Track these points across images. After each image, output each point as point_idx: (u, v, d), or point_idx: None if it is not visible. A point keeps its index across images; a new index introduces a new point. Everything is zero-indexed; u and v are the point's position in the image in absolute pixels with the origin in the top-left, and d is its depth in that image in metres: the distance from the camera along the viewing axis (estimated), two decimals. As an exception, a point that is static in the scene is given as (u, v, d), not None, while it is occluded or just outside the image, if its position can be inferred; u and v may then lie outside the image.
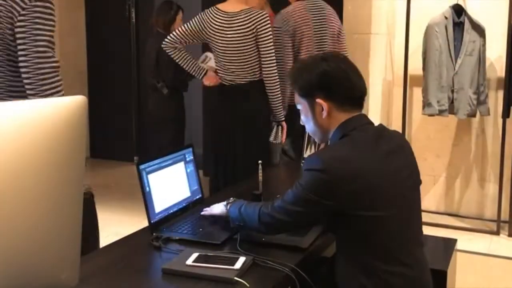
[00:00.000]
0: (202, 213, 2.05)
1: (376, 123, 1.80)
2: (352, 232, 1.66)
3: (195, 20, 3.40)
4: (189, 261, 1.63)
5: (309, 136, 2.90)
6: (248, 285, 1.51)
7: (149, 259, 1.78)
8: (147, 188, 1.91)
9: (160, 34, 4.41)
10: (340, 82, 1.71)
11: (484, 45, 3.83)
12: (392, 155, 1.71)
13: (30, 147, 1.10)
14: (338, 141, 1.72)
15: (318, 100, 1.72)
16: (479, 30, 3.82)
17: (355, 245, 1.67)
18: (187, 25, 3.42)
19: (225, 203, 1.95)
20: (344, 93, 1.72)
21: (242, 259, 1.63)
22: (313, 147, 2.87)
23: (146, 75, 4.70)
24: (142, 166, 1.91)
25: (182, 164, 2.15)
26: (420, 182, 1.82)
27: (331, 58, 1.74)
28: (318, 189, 1.61)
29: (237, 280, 1.53)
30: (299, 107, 1.82)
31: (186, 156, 2.18)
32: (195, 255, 1.66)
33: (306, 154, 2.90)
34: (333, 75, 1.71)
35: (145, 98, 6.16)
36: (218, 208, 1.98)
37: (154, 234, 1.87)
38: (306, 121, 1.81)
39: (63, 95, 2.11)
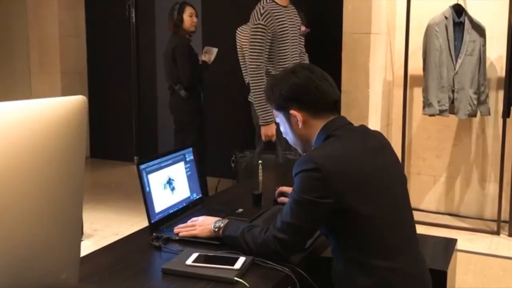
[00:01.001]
0: (181, 234, 1.85)
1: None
2: (346, 231, 1.66)
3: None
4: (189, 261, 1.62)
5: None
6: (248, 285, 1.51)
7: (149, 259, 1.78)
8: (147, 188, 1.91)
9: (174, 36, 4.46)
10: (310, 91, 1.75)
11: (484, 45, 3.83)
12: (378, 152, 1.75)
13: (30, 147, 1.10)
14: (324, 142, 1.73)
15: (292, 112, 1.76)
16: (480, 30, 3.82)
17: (349, 243, 1.67)
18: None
19: (212, 226, 1.82)
20: (315, 102, 1.76)
21: (242, 259, 1.63)
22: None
23: (165, 76, 4.68)
24: (142, 166, 1.91)
25: (182, 164, 2.14)
26: (405, 178, 1.84)
27: (299, 70, 1.79)
28: (315, 189, 1.60)
29: (237, 280, 1.53)
30: (277, 120, 1.86)
31: (186, 156, 2.18)
32: (195, 255, 1.66)
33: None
34: (302, 85, 1.75)
35: (145, 98, 6.18)
36: (203, 230, 1.83)
37: (154, 234, 1.87)
38: (286, 133, 1.85)
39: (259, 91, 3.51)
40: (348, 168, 1.63)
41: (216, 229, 1.80)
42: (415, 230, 1.81)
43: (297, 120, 1.76)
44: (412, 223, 1.80)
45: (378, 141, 1.81)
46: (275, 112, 1.84)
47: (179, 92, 4.44)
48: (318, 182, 1.60)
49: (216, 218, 1.85)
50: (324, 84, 1.76)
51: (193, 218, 1.92)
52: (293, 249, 1.71)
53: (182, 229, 1.87)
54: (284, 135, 1.88)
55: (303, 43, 4.00)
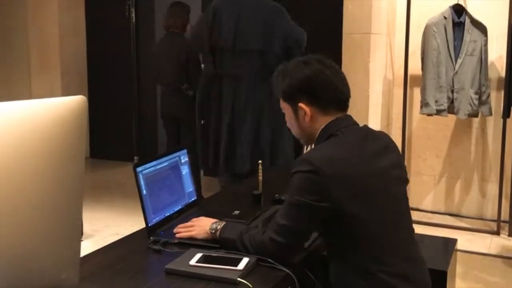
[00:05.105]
0: (178, 235, 1.85)
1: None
2: (344, 233, 1.64)
3: None
4: (193, 261, 1.62)
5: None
6: (251, 286, 1.51)
7: (149, 259, 1.78)
8: (144, 191, 1.90)
9: (178, 35, 4.44)
10: (322, 86, 1.70)
11: (486, 44, 3.83)
12: (379, 154, 1.71)
13: (30, 147, 1.10)
14: (325, 141, 1.71)
15: (301, 105, 1.71)
16: (481, 29, 3.81)
17: (347, 246, 1.66)
18: None
19: (208, 227, 1.80)
20: (326, 97, 1.71)
21: (245, 260, 1.63)
22: (313, 146, 2.86)
23: (162, 76, 4.61)
24: (138, 169, 1.89)
25: (177, 166, 2.12)
26: (407, 181, 1.81)
27: (313, 62, 1.73)
28: (311, 191, 1.58)
29: (240, 281, 1.53)
30: (283, 111, 1.81)
31: (181, 158, 2.17)
32: (198, 256, 1.65)
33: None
34: (315, 79, 1.70)
35: (145, 98, 6.17)
36: (200, 231, 1.82)
37: (152, 238, 1.84)
38: (291, 124, 1.80)
39: None
40: (346, 172, 1.60)
41: (213, 231, 1.78)
42: (413, 230, 1.80)
43: (305, 114, 1.72)
44: (411, 226, 1.78)
45: (381, 142, 1.77)
46: (281, 102, 1.79)
47: (187, 91, 4.43)
48: (315, 185, 1.58)
49: (213, 220, 1.84)
50: (336, 80, 1.72)
51: (194, 219, 1.91)
52: (290, 252, 1.69)
53: (181, 229, 1.87)
54: (287, 126, 1.84)
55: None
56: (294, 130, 1.81)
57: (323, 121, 1.72)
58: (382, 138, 1.81)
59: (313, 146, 1.84)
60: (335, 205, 1.59)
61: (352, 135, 1.71)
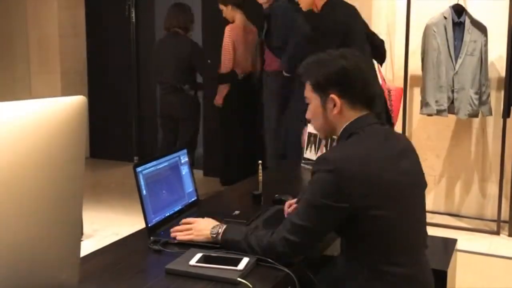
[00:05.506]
0: (179, 237, 1.81)
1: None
2: (360, 233, 1.64)
3: None
4: (193, 261, 1.62)
5: (309, 136, 2.90)
6: (251, 286, 1.51)
7: (149, 259, 1.78)
8: (144, 191, 1.90)
9: (180, 35, 4.46)
10: (357, 79, 1.71)
11: (486, 45, 3.82)
12: (400, 156, 1.71)
13: (30, 147, 1.10)
14: (347, 140, 1.70)
15: (332, 96, 1.70)
16: (481, 30, 3.81)
17: (362, 246, 1.66)
18: None
19: (209, 232, 1.77)
20: (358, 91, 1.72)
21: (245, 260, 1.63)
22: (313, 147, 2.87)
23: (163, 75, 4.61)
24: (138, 169, 1.89)
25: (177, 166, 2.13)
26: (426, 184, 1.81)
27: (349, 56, 1.73)
28: (330, 192, 1.58)
29: (240, 281, 1.53)
30: (307, 101, 1.79)
31: (181, 158, 2.17)
32: (198, 256, 1.65)
33: (306, 154, 2.90)
34: (351, 72, 1.70)
35: (145, 98, 6.17)
36: (200, 235, 1.79)
37: (152, 238, 1.84)
38: (315, 116, 1.78)
39: None
40: (365, 172, 1.60)
41: (215, 235, 1.76)
42: (426, 234, 1.79)
43: (334, 106, 1.71)
44: (424, 228, 1.78)
45: (402, 144, 1.78)
46: (309, 93, 1.77)
47: (188, 92, 4.46)
48: (333, 185, 1.58)
49: (212, 222, 1.81)
50: (370, 76, 1.74)
51: (187, 219, 1.89)
52: (301, 252, 1.68)
53: (179, 233, 1.84)
54: (308, 117, 1.82)
55: None
56: (318, 122, 1.79)
57: (349, 116, 1.71)
58: (401, 140, 1.82)
59: (329, 141, 1.83)
60: (353, 205, 1.58)
61: (374, 135, 1.71)
